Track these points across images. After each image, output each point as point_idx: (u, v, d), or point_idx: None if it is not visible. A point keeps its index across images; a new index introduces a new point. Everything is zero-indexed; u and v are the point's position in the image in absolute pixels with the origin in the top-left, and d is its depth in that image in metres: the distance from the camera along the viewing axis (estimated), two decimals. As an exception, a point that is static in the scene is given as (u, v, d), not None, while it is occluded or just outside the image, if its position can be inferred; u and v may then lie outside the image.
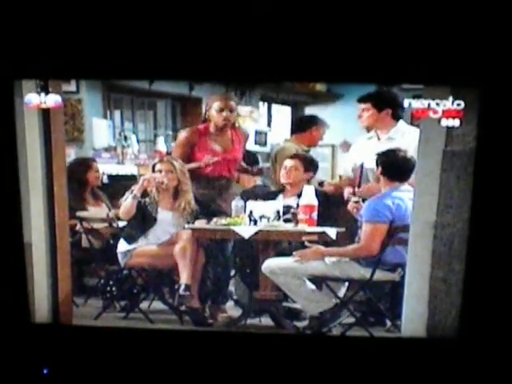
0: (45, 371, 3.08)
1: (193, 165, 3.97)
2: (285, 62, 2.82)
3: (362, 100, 3.85)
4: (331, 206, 3.87)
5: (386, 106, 3.82)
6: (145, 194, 3.86)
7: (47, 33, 2.81)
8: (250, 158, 4.40)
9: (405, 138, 3.72)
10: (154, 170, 3.86)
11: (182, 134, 4.13)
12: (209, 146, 4.01)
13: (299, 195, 3.81)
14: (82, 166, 4.17)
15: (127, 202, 3.80)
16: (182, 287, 3.64)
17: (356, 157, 3.96)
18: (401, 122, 3.82)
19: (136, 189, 3.81)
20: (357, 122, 3.91)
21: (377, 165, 3.53)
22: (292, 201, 3.86)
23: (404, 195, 3.40)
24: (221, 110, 3.98)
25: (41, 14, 2.79)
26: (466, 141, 2.91)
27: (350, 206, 3.70)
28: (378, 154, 3.54)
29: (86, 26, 2.80)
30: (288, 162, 3.98)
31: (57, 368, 3.10)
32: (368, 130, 3.93)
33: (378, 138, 3.89)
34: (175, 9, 2.76)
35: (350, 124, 4.20)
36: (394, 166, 3.47)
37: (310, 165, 4.00)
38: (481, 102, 2.82)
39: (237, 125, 4.15)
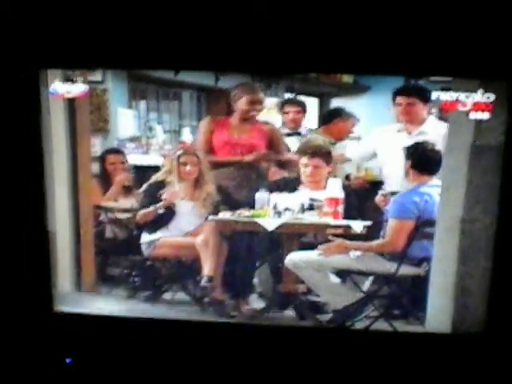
0: (67, 360, 3.10)
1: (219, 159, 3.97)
2: (311, 53, 2.79)
3: (405, 93, 3.81)
4: (357, 200, 3.83)
5: (430, 99, 3.78)
6: (162, 185, 3.87)
7: (73, 22, 2.81)
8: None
9: (436, 132, 3.67)
10: (178, 162, 3.85)
11: (204, 121, 4.13)
12: (230, 137, 3.99)
13: (324, 188, 3.78)
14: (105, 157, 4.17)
15: (149, 211, 3.82)
16: (205, 279, 3.64)
17: (384, 150, 3.94)
18: (432, 116, 3.79)
19: (160, 205, 3.83)
20: (385, 114, 3.89)
21: (406, 158, 3.49)
22: (318, 194, 3.81)
23: (432, 191, 3.36)
24: (250, 103, 3.95)
25: (67, 4, 2.79)
26: (495, 135, 2.87)
27: (377, 199, 3.66)
28: (408, 148, 3.50)
29: (112, 16, 2.79)
30: (308, 161, 3.86)
31: (80, 357, 3.12)
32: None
33: (409, 132, 3.85)
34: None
35: (378, 116, 4.16)
36: (424, 159, 3.43)
37: (329, 156, 3.92)
38: (510, 96, 2.78)
39: (262, 118, 4.11)
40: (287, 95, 5.12)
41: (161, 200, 3.83)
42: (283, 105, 4.51)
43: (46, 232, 3.15)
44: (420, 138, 3.66)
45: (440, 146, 3.34)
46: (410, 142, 3.63)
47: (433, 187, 3.36)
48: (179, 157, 3.86)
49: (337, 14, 2.72)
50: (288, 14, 2.72)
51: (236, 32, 2.77)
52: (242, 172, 4.01)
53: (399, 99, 3.84)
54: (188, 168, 3.84)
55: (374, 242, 3.48)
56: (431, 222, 3.20)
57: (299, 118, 4.36)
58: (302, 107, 4.42)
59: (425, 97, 3.76)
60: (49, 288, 3.18)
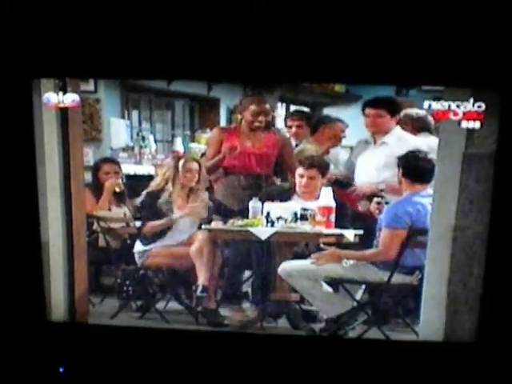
0: (61, 370, 3.09)
1: (212, 161, 3.98)
2: (303, 62, 2.80)
3: (373, 105, 3.85)
4: (349, 209, 3.84)
5: (398, 111, 3.87)
6: (159, 194, 3.87)
7: (66, 32, 2.82)
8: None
9: (399, 143, 3.76)
10: (183, 168, 3.86)
11: (214, 132, 4.17)
12: (240, 145, 4.00)
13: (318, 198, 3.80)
14: (99, 166, 4.16)
15: (159, 224, 3.84)
16: (200, 288, 3.64)
17: (357, 160, 4.02)
18: (397, 127, 3.87)
19: (174, 217, 3.85)
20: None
21: (398, 167, 3.50)
22: (311, 204, 3.81)
23: (425, 200, 3.37)
24: (256, 114, 3.96)
25: (60, 14, 2.80)
26: (487, 143, 2.88)
27: (372, 207, 3.67)
28: (400, 157, 3.51)
29: (105, 26, 2.80)
30: (304, 172, 3.87)
31: (73, 367, 3.11)
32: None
33: (375, 142, 3.93)
34: (194, 9, 2.75)
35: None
36: (415, 168, 3.44)
37: (326, 169, 3.93)
38: (502, 104, 2.80)
39: (273, 127, 4.15)
40: (279, 104, 5.14)
41: (159, 209, 3.84)
42: (286, 118, 4.53)
43: (38, 242, 3.14)
44: (384, 149, 3.79)
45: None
46: (375, 152, 3.79)
47: (426, 197, 3.37)
48: (184, 163, 3.86)
49: (329, 23, 2.73)
50: (280, 23, 2.74)
51: (228, 42, 2.78)
52: (251, 180, 4.03)
53: (368, 110, 3.88)
54: (190, 175, 3.84)
55: (367, 251, 3.49)
56: (424, 231, 3.20)
57: (302, 133, 4.34)
58: (306, 120, 4.39)
59: (392, 109, 3.85)
60: (42, 297, 3.17)
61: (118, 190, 4.02)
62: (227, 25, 2.76)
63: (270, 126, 4.07)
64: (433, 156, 3.32)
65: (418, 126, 3.93)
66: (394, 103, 3.85)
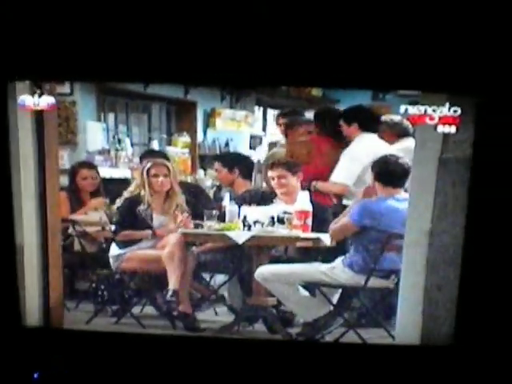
0: (35, 375, 3.06)
1: None
2: (281, 66, 2.80)
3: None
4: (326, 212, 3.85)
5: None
6: (138, 200, 3.85)
7: (41, 34, 2.79)
8: (243, 162, 4.36)
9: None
10: (148, 175, 3.83)
11: None
12: None
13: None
14: (77, 171, 4.13)
15: (133, 234, 3.87)
16: (170, 293, 3.63)
17: None
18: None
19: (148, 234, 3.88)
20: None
21: (371, 170, 3.52)
22: (289, 207, 3.81)
23: (399, 204, 3.40)
24: None
25: (35, 16, 2.77)
26: (463, 148, 2.90)
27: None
28: (373, 161, 3.52)
29: (80, 28, 2.78)
30: (273, 173, 3.91)
31: (47, 372, 3.08)
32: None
33: None
34: (171, 11, 2.74)
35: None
36: (387, 172, 3.46)
37: (295, 167, 3.96)
38: (477, 109, 2.81)
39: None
40: (257, 108, 5.17)
41: (137, 215, 3.83)
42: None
43: (13, 245, 3.11)
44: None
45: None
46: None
47: (401, 201, 3.39)
48: (149, 169, 3.83)
49: (305, 27, 2.73)
50: (257, 27, 2.74)
51: (205, 45, 2.78)
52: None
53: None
54: (160, 179, 3.82)
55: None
56: (398, 235, 3.21)
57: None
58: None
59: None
60: (17, 302, 3.14)
61: (104, 209, 3.99)
62: (204, 28, 2.75)
63: None
64: (405, 160, 3.36)
65: (397, 133, 3.97)
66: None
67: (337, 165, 3.96)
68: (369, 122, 3.99)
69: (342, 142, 4.01)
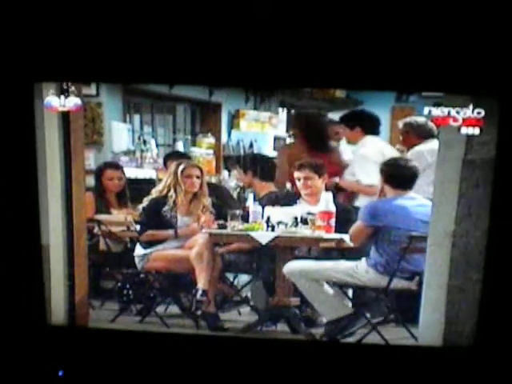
0: (60, 373, 3.09)
1: None
2: (305, 67, 2.81)
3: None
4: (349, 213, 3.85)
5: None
6: (164, 201, 3.89)
7: (69, 36, 2.82)
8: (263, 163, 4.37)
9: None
10: (182, 175, 3.87)
11: None
12: None
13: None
14: (103, 171, 4.17)
15: (159, 234, 3.92)
16: (200, 292, 3.64)
17: None
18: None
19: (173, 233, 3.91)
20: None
21: (380, 173, 3.53)
22: (313, 208, 3.82)
23: (408, 203, 3.45)
24: None
25: (63, 17, 2.81)
26: (486, 149, 2.89)
27: None
28: (382, 163, 3.56)
29: (107, 30, 2.81)
30: (300, 174, 3.93)
31: (72, 370, 3.11)
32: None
33: None
34: (198, 13, 2.76)
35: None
36: (397, 175, 3.48)
37: (319, 168, 3.96)
38: (501, 111, 2.80)
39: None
40: (280, 109, 5.18)
41: (163, 216, 3.86)
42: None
43: (39, 245, 3.15)
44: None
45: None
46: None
47: (408, 199, 3.45)
48: (183, 170, 3.86)
49: (330, 29, 2.74)
50: (282, 28, 2.75)
51: (230, 46, 2.79)
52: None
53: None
54: (192, 180, 3.85)
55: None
56: (422, 237, 3.20)
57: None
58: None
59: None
60: (42, 301, 3.18)
61: (133, 222, 4.03)
62: (229, 30, 2.77)
63: None
64: (414, 163, 3.43)
65: (421, 134, 3.96)
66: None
67: (353, 168, 4.06)
68: (371, 124, 4.07)
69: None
